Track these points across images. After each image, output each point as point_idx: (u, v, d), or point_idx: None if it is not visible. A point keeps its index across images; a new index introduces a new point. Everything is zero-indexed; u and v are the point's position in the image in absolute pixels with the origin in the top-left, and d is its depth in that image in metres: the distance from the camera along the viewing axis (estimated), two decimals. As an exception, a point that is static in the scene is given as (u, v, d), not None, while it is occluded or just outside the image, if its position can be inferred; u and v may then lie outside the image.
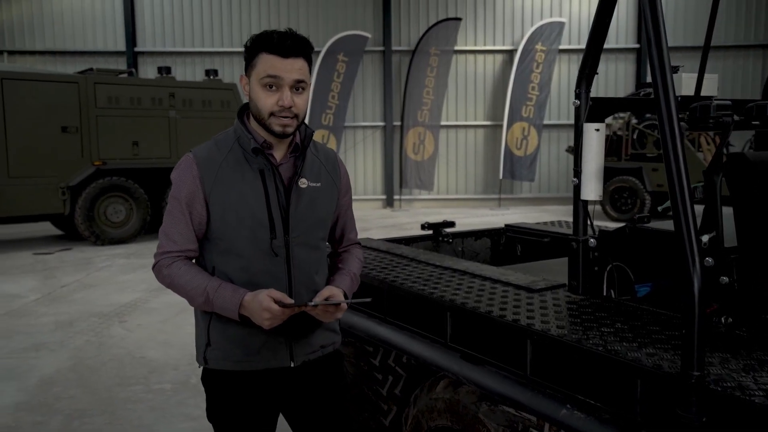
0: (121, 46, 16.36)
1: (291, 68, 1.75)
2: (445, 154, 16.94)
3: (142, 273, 8.42)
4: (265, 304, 1.71)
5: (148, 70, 16.09)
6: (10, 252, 10.12)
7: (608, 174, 13.55)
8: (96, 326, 5.97)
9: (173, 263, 1.83)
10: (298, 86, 1.78)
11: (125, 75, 12.00)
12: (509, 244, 4.13)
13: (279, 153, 1.88)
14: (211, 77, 12.06)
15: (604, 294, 2.38)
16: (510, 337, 2.11)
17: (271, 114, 1.77)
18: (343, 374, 2.16)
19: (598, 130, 2.24)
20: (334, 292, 1.86)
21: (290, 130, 1.80)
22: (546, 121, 16.21)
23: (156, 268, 1.87)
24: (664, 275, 2.32)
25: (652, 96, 2.27)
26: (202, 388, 4.50)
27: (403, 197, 16.81)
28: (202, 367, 1.97)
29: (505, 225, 4.19)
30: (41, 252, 10.11)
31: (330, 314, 1.82)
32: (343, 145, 16.41)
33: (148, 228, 11.27)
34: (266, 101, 1.76)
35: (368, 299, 1.90)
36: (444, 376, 2.40)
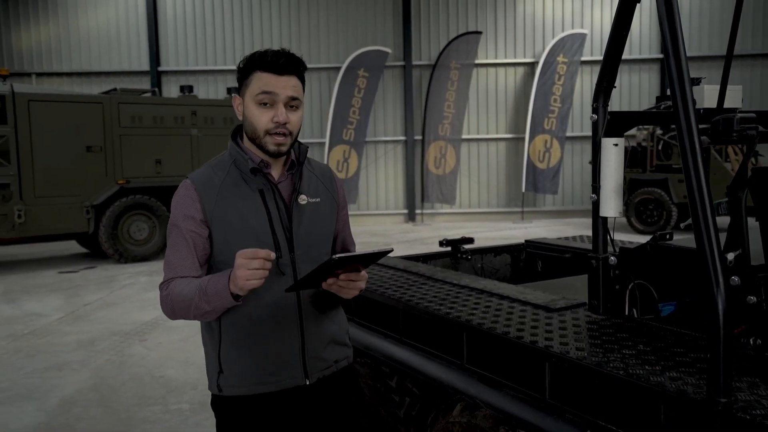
0: (146, 65, 16.61)
1: (285, 85, 1.76)
2: (466, 167, 16.86)
3: (164, 290, 8.46)
4: (240, 253, 1.61)
5: (171, 89, 16.30)
6: (36, 270, 10.25)
7: (633, 185, 13.36)
8: (117, 345, 5.98)
9: (169, 285, 1.79)
10: (293, 103, 1.79)
11: (148, 94, 12.16)
12: (530, 260, 4.05)
13: (276, 171, 1.87)
14: (233, 95, 12.14)
15: (626, 313, 2.30)
16: (528, 359, 2.04)
17: (267, 132, 1.77)
18: (358, 391, 2.11)
19: (616, 144, 2.17)
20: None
21: (284, 148, 1.80)
22: (569, 133, 16.08)
23: (160, 299, 1.83)
24: (689, 294, 2.24)
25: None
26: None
27: (425, 211, 16.74)
28: (212, 394, 1.93)
29: (525, 241, 4.11)
30: (66, 270, 10.22)
31: (353, 285, 1.72)
32: (364, 160, 16.43)
33: (171, 245, 11.35)
34: (261, 118, 1.77)
35: (390, 248, 1.73)
36: (461, 399, 2.33)
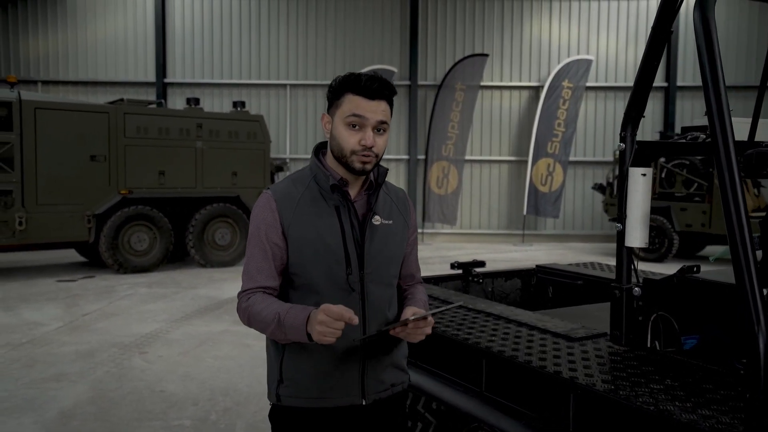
0: (152, 77, 16.66)
1: (376, 109, 1.80)
2: (469, 188, 16.87)
3: (163, 303, 8.39)
4: (326, 309, 1.66)
5: (177, 101, 16.33)
6: (35, 279, 10.18)
7: (635, 213, 13.31)
8: (116, 357, 5.91)
9: (250, 297, 1.84)
10: (381, 127, 1.83)
11: (155, 106, 12.14)
12: (540, 286, 4.01)
13: (353, 190, 1.91)
14: (239, 109, 12.16)
15: (648, 345, 2.27)
16: (551, 389, 2.00)
17: (353, 152, 1.81)
18: (405, 415, 2.10)
19: (644, 174, 2.15)
20: (416, 309, 1.86)
21: (369, 167, 1.84)
22: (572, 158, 16.10)
23: (237, 307, 1.88)
24: (713, 327, 2.20)
25: (700, 140, 2.18)
26: (222, 426, 4.38)
27: (425, 231, 16.72)
28: (271, 404, 1.95)
29: (537, 266, 4.08)
30: (65, 279, 10.15)
31: (420, 330, 1.78)
32: (366, 178, 16.41)
33: (171, 257, 11.30)
34: (349, 140, 1.81)
35: (461, 303, 1.84)
36: (478, 426, 2.29)
